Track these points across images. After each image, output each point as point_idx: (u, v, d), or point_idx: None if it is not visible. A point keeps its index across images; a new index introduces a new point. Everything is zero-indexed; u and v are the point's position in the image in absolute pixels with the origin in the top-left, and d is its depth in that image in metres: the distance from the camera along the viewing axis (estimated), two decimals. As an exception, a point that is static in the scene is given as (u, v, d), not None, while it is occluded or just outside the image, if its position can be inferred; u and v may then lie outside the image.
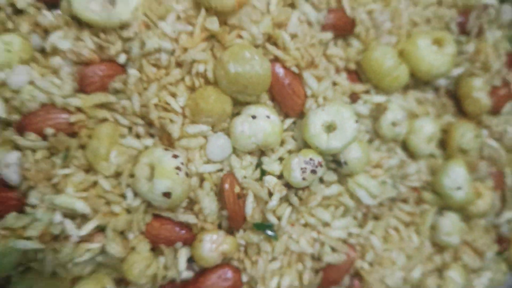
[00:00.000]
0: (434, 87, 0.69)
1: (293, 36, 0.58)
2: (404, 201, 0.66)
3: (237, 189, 0.54)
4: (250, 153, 0.57)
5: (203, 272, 0.56)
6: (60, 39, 0.55)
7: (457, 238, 0.66)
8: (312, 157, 0.54)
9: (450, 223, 0.65)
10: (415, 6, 0.68)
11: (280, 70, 0.56)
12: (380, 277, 0.62)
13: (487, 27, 0.73)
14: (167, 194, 0.51)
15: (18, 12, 0.56)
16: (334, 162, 0.58)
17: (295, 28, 0.57)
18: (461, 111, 0.71)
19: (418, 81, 0.67)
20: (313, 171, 0.54)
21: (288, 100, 0.56)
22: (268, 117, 0.55)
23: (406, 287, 0.65)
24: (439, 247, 0.68)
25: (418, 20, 0.67)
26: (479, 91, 0.67)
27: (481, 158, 0.70)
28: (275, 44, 0.58)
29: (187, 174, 0.52)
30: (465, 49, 0.71)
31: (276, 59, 0.57)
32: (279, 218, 0.57)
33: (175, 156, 0.52)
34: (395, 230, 0.65)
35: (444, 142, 0.68)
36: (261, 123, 0.54)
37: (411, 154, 0.66)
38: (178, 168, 0.51)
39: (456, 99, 0.71)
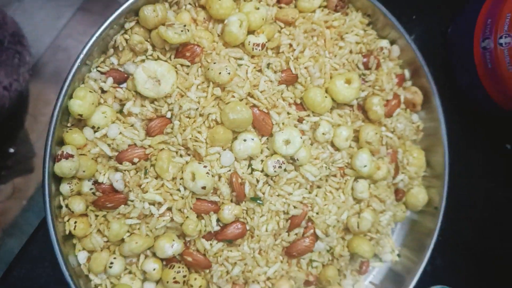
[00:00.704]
0: (350, 105, 0.90)
1: (262, 91, 0.81)
2: (334, 175, 0.89)
3: (239, 180, 0.78)
4: (245, 159, 0.80)
5: (225, 226, 0.80)
6: (132, 107, 0.78)
7: (367, 194, 0.91)
8: (278, 159, 0.79)
9: (361, 186, 0.90)
10: (335, 57, 0.90)
11: (257, 111, 0.80)
12: (323, 220, 0.87)
13: (383, 61, 0.95)
14: (203, 187, 0.75)
15: (104, 91, 0.80)
16: (291, 159, 0.82)
17: (263, 86, 0.81)
18: (367, 118, 0.92)
19: (339, 104, 0.88)
20: (280, 167, 0.80)
21: (263, 128, 0.81)
22: (252, 139, 0.78)
23: (338, 225, 0.89)
24: (357, 200, 0.92)
25: (337, 66, 0.88)
26: (376, 106, 0.90)
27: (381, 145, 0.93)
28: (252, 97, 0.80)
29: (212, 175, 0.76)
30: (368, 79, 0.92)
31: (254, 105, 0.80)
32: (263, 193, 0.81)
33: (205, 166, 0.76)
34: (330, 193, 0.89)
35: (357, 138, 0.90)
36: (249, 143, 0.78)
37: (336, 148, 0.88)
38: (207, 173, 0.75)
39: (364, 111, 0.92)
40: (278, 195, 0.85)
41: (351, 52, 0.93)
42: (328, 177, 0.90)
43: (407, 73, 1.01)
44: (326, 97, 0.86)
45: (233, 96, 0.80)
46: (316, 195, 0.89)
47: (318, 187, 0.89)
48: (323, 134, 0.87)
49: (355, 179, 0.92)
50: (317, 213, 0.88)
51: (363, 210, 0.93)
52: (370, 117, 0.93)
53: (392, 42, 0.98)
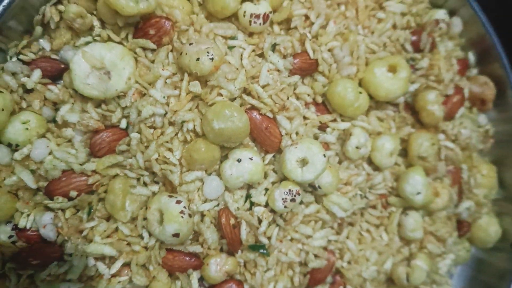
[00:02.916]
0: (394, 104, 0.73)
1: (265, 86, 0.63)
2: (373, 207, 0.73)
3: (232, 221, 0.62)
4: (240, 188, 0.64)
5: (212, 288, 0.64)
6: (68, 113, 0.61)
7: (421, 233, 0.73)
8: (290, 188, 0.63)
9: (413, 221, 0.72)
10: (372, 34, 0.72)
11: (257, 117, 0.63)
12: (357, 272, 0.70)
13: (439, 40, 0.77)
14: (176, 235, 0.59)
15: (29, 91, 0.61)
16: (310, 186, 0.66)
17: (266, 79, 0.63)
18: (419, 122, 0.75)
19: (379, 102, 0.71)
20: (293, 200, 0.62)
21: (266, 141, 0.64)
22: (251, 158, 0.62)
23: (380, 277, 0.72)
24: (406, 241, 0.75)
25: (375, 47, 0.71)
26: (433, 104, 0.72)
27: (439, 159, 0.75)
28: (250, 94, 0.63)
29: (189, 215, 0.60)
30: (420, 65, 0.74)
31: (252, 108, 0.63)
32: (269, 238, 0.65)
33: (179, 202, 0.59)
34: (368, 232, 0.72)
35: (405, 152, 0.74)
36: (246, 165, 0.62)
37: (376, 167, 0.72)
38: (182, 212, 0.59)
39: (414, 112, 0.75)
40: (291, 240, 0.68)
41: (394, 27, 0.75)
42: (364, 210, 0.73)
43: (471, 57, 0.83)
44: (360, 92, 0.69)
45: (220, 94, 0.62)
46: (348, 237, 0.71)
47: (350, 224, 0.73)
48: (356, 148, 0.69)
49: (403, 211, 0.75)
50: (348, 263, 0.72)
51: (415, 255, 0.75)
52: (423, 121, 0.76)
53: (451, 13, 0.80)
